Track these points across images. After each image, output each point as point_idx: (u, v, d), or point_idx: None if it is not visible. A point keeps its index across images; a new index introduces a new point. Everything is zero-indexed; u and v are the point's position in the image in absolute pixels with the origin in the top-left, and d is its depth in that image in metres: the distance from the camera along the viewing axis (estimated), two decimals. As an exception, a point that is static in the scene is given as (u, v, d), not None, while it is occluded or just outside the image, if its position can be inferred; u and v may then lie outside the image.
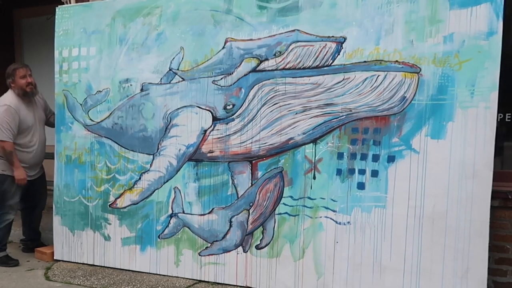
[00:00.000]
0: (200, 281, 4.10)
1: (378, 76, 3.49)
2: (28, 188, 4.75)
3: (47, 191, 5.07)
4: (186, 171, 4.13)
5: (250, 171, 3.91)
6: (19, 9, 7.04)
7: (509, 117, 3.73)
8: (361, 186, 3.56)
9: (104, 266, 4.48)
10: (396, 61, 3.44)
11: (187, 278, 4.15)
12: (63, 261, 4.67)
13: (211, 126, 4.01)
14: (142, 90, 4.28)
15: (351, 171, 3.59)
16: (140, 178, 4.31)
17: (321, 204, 3.67)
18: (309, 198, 3.71)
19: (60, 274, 4.36)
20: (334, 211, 3.64)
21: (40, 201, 5.00)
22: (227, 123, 3.96)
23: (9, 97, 4.56)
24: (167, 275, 4.22)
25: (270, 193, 3.84)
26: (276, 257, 3.85)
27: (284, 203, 3.80)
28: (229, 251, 4.01)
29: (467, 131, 3.26)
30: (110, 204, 4.45)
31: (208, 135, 4.02)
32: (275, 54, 3.79)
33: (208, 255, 4.09)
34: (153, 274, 4.27)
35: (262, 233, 3.89)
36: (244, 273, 3.97)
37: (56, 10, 4.67)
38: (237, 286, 3.98)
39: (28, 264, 4.65)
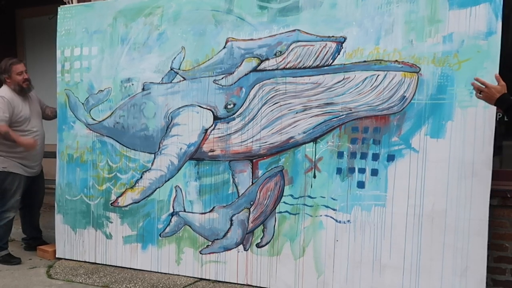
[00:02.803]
0: (201, 279, 4.13)
1: (378, 75, 3.51)
2: (29, 186, 4.77)
3: (44, 189, 5.09)
4: (187, 170, 4.15)
5: (251, 170, 3.94)
6: (22, 9, 7.08)
7: (508, 116, 3.75)
8: (361, 185, 3.58)
9: (106, 264, 4.51)
10: (396, 60, 3.47)
11: (188, 276, 4.17)
12: (65, 259, 4.70)
13: (212, 125, 4.04)
14: (143, 89, 4.31)
15: (351, 170, 3.61)
16: (141, 177, 4.33)
17: (321, 202, 3.70)
18: (309, 196, 3.74)
19: (62, 272, 4.39)
20: (334, 209, 3.67)
21: (38, 198, 5.03)
22: (228, 122, 3.98)
23: (5, 91, 4.52)
24: (168, 273, 4.25)
25: (270, 191, 3.87)
26: (276, 256, 3.88)
27: (284, 202, 3.83)
28: (230, 249, 4.04)
29: (466, 130, 3.28)
30: (111, 203, 4.47)
31: (209, 134, 4.05)
32: (275, 54, 3.82)
33: (209, 253, 4.11)
34: (155, 272, 4.30)
35: (263, 231, 3.92)
36: (245, 271, 3.99)
37: (58, 10, 4.70)
38: (238, 284, 4.01)
39: (30, 262, 4.68)
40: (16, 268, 4.50)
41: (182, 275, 4.19)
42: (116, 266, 4.46)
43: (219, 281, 4.07)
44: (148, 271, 4.32)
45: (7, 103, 4.45)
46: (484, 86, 3.00)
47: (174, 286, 4.02)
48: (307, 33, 3.73)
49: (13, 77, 4.53)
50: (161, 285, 4.04)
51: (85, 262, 4.61)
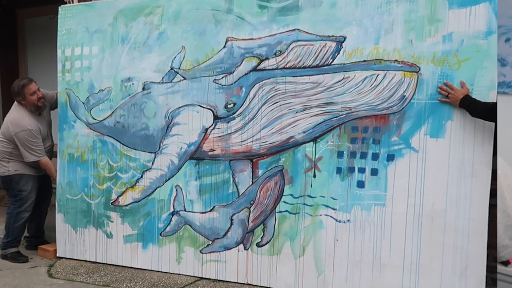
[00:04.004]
0: (202, 278, 4.14)
1: (378, 75, 3.51)
2: (38, 186, 4.81)
3: (52, 189, 5.12)
4: (187, 169, 4.16)
5: (251, 169, 3.94)
6: (23, 9, 7.09)
7: (508, 116, 3.75)
8: (361, 184, 3.59)
9: (106, 264, 4.52)
10: (396, 60, 3.47)
11: (189, 275, 4.18)
12: (65, 258, 4.70)
13: (212, 125, 4.04)
14: (144, 89, 4.31)
15: (351, 170, 3.62)
16: (142, 176, 4.34)
17: (321, 202, 3.70)
18: (309, 196, 3.74)
19: (62, 272, 4.40)
20: (334, 209, 3.67)
21: (47, 198, 5.05)
22: (228, 122, 3.99)
23: (24, 116, 4.58)
24: (169, 273, 4.25)
25: (270, 191, 3.88)
26: (276, 255, 3.88)
27: (284, 201, 3.83)
28: (230, 248, 4.04)
29: (466, 130, 3.28)
30: (112, 202, 4.48)
31: (209, 134, 4.05)
32: (275, 53, 3.82)
33: (210, 252, 4.12)
34: (155, 271, 4.31)
35: (263, 231, 3.92)
36: (245, 271, 4.00)
37: (59, 9, 4.70)
38: (238, 283, 4.01)
39: (31, 261, 4.69)
40: (17, 267, 4.52)
41: (182, 274, 4.20)
42: (117, 266, 4.46)
43: (219, 280, 4.07)
44: (149, 270, 4.33)
45: (35, 135, 4.57)
46: (451, 90, 3.24)
47: (175, 285, 4.03)
48: (307, 32, 3.73)
49: (28, 98, 4.59)
50: (161, 284, 4.05)
51: (86, 261, 4.61)
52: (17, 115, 4.62)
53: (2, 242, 4.79)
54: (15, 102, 4.69)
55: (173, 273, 4.24)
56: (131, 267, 4.41)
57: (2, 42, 7.00)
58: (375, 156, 3.54)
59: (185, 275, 4.20)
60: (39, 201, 4.91)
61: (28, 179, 4.69)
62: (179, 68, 4.16)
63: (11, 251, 4.69)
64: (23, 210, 4.69)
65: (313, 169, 3.73)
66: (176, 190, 4.21)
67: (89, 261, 4.60)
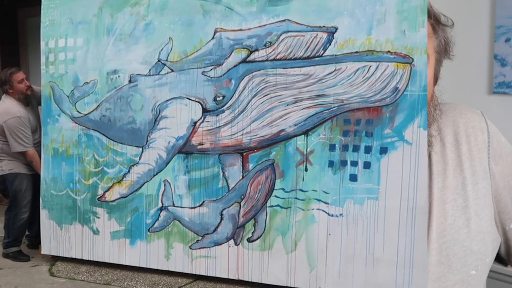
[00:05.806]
0: (202, 276, 4.04)
1: (370, 66, 3.44)
2: (36, 184, 4.72)
3: None
4: (176, 163, 4.07)
5: (241, 163, 3.87)
6: (24, 8, 6.97)
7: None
8: (353, 178, 3.53)
9: (108, 262, 4.39)
10: (388, 51, 3.40)
11: (189, 274, 4.10)
12: (66, 257, 4.58)
13: (201, 118, 3.95)
14: (130, 81, 4.21)
15: (343, 163, 3.55)
16: (129, 171, 4.24)
17: (313, 196, 3.64)
18: (301, 190, 3.68)
19: (64, 270, 4.31)
20: (326, 203, 3.61)
21: None
22: (217, 115, 3.90)
23: (13, 105, 4.54)
24: (168, 271, 4.15)
25: (261, 185, 3.81)
26: (268, 250, 3.82)
27: (275, 196, 3.76)
28: (221, 244, 3.97)
29: (460, 122, 3.23)
30: (98, 198, 4.38)
31: (198, 127, 3.97)
32: (265, 45, 3.73)
33: (199, 248, 4.04)
34: (156, 270, 4.18)
35: (254, 225, 3.86)
36: (236, 266, 3.93)
37: (42, 0, 4.57)
38: (230, 279, 3.94)
39: (33, 260, 4.64)
40: (18, 266, 4.46)
41: (184, 273, 4.09)
42: (118, 265, 4.32)
43: (220, 279, 4.00)
44: (150, 268, 4.17)
45: (25, 123, 4.48)
46: None
47: (176, 283, 3.97)
48: (297, 23, 3.65)
49: (16, 86, 4.53)
50: (162, 282, 4.00)
51: (87, 260, 4.48)
52: (5, 105, 4.56)
53: (3, 242, 4.71)
54: (3, 95, 4.61)
55: (170, 271, 4.14)
56: (132, 266, 4.26)
57: (3, 42, 6.90)
58: (368, 149, 3.48)
59: (187, 273, 4.10)
60: (39, 200, 4.79)
61: (22, 178, 4.62)
62: (166, 60, 4.06)
63: (13, 250, 4.64)
64: (20, 211, 4.62)
65: (304, 162, 3.67)
66: (165, 185, 4.12)
67: (90, 260, 4.47)
